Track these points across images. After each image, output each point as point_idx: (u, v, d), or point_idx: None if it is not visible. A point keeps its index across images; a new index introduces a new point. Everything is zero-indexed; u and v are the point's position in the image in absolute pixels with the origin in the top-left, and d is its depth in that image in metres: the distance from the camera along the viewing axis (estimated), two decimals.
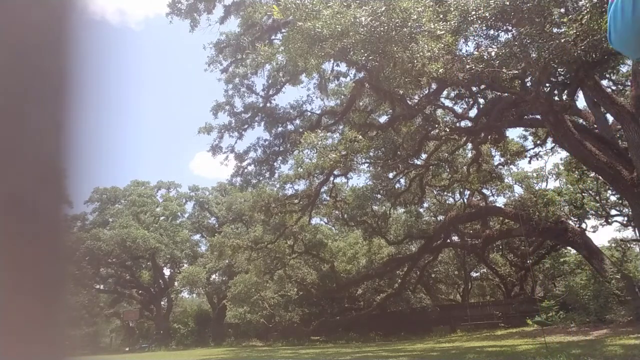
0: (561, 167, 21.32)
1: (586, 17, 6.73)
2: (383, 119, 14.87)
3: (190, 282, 28.87)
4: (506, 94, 10.63)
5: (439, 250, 21.83)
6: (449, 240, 21.50)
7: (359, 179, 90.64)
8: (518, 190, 21.43)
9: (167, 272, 34.87)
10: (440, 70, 7.36)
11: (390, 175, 16.90)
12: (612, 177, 10.97)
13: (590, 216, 22.45)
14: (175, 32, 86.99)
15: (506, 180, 20.08)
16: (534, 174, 22.83)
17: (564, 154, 18.44)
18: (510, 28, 8.01)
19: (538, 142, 17.93)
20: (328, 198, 18.84)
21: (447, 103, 15.39)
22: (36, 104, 0.44)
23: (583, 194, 21.25)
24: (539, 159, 19.30)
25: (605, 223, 22.61)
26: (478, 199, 20.49)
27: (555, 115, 9.81)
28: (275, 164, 16.55)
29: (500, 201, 26.71)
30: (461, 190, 20.47)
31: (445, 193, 20.96)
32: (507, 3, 6.94)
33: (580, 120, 14.11)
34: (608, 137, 12.85)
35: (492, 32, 8.34)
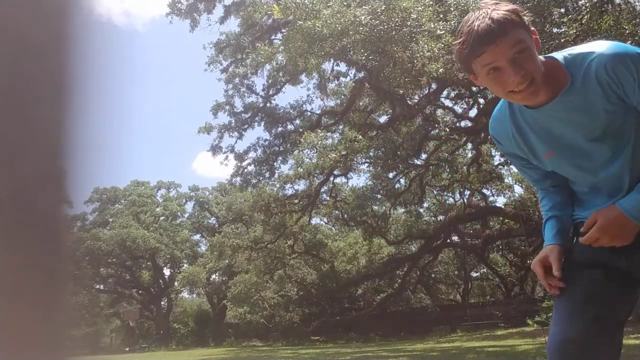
0: None
1: (586, 17, 6.74)
2: (383, 119, 14.88)
3: (190, 282, 28.88)
4: None
5: (439, 250, 21.83)
6: (449, 240, 21.49)
7: (359, 179, 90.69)
8: (518, 190, 21.43)
9: (167, 272, 34.88)
10: (440, 70, 7.36)
11: (390, 175, 16.90)
12: None
13: None
14: (178, 33, 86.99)
15: (506, 180, 20.08)
16: None
17: None
18: None
19: None
20: (328, 198, 18.84)
21: (447, 103, 15.40)
22: (37, 103, 0.44)
23: None
24: None
25: None
26: (478, 199, 20.50)
27: None
28: (275, 164, 16.55)
29: (500, 201, 26.71)
30: (461, 190, 20.47)
31: (445, 193, 20.96)
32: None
33: None
34: None
35: None
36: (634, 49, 1.18)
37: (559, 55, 1.27)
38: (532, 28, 1.20)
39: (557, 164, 1.38)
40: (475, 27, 1.14)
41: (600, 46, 1.20)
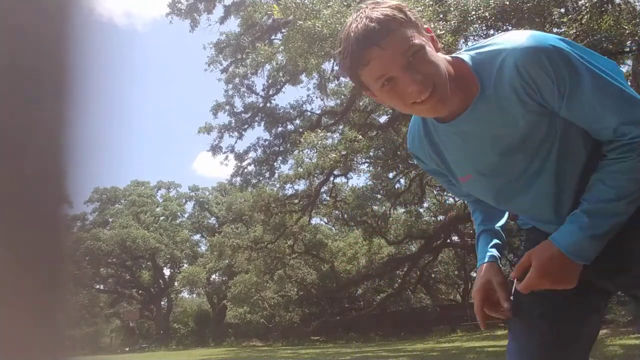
0: None
1: (586, 17, 6.74)
2: (383, 119, 14.88)
3: (190, 282, 28.89)
4: None
5: (439, 250, 21.83)
6: (449, 240, 21.49)
7: (359, 179, 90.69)
8: None
9: (167, 272, 34.90)
10: None
11: (390, 175, 16.90)
12: None
13: None
14: (178, 33, 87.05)
15: None
16: None
17: None
18: (510, 28, 8.01)
19: None
20: (328, 198, 18.84)
21: None
22: (37, 103, 0.44)
23: None
24: None
25: None
26: None
27: None
28: (275, 164, 16.57)
29: None
30: None
31: (445, 193, 20.96)
32: (507, 3, 6.94)
33: None
34: None
35: (492, 32, 8.34)
36: (550, 40, 0.94)
37: (465, 55, 1.02)
38: (426, 26, 0.98)
39: (476, 188, 1.16)
40: (353, 30, 0.92)
41: (510, 40, 0.96)
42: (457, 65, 1.01)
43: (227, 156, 16.46)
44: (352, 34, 0.92)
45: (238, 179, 16.95)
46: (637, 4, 7.54)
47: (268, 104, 16.31)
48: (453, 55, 1.04)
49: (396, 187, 17.68)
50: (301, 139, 12.29)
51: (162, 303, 34.24)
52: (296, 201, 17.58)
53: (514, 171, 1.06)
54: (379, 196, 18.17)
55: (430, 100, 0.94)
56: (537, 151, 1.02)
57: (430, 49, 0.95)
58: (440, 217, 21.84)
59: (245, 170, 16.72)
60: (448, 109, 0.99)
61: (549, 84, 0.93)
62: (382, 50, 0.90)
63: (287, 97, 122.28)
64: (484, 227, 1.28)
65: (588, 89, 0.93)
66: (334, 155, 11.72)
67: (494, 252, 1.22)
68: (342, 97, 15.75)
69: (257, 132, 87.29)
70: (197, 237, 35.12)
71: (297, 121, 16.67)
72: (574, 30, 6.69)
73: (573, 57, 0.93)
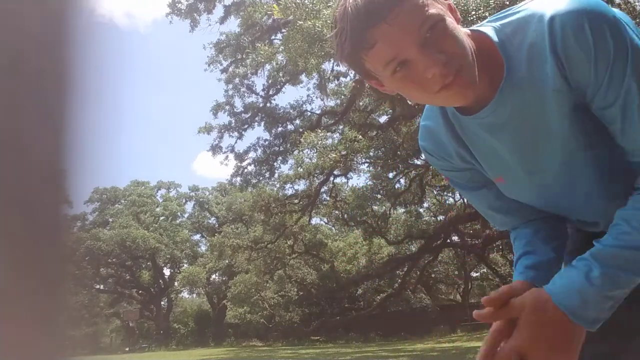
0: None
1: None
2: (383, 119, 14.88)
3: (190, 282, 28.92)
4: None
5: (439, 250, 21.83)
6: (449, 240, 21.49)
7: (359, 179, 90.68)
8: None
9: (167, 272, 34.93)
10: None
11: (390, 175, 16.90)
12: None
13: None
14: (178, 33, 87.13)
15: None
16: None
17: None
18: None
19: None
20: (328, 198, 18.85)
21: None
22: (36, 103, 0.44)
23: None
24: None
25: None
26: None
27: None
28: (275, 164, 16.58)
29: None
30: None
31: (445, 193, 20.97)
32: (507, 3, 6.94)
33: None
34: None
35: None
36: (600, 5, 0.70)
37: (488, 27, 0.80)
38: None
39: (511, 192, 0.93)
40: (351, 5, 0.71)
41: (546, 3, 0.73)
42: (479, 41, 0.78)
43: (227, 156, 16.48)
44: (349, 9, 0.71)
45: (238, 179, 16.97)
46: (637, 4, 7.55)
47: (268, 104, 16.32)
48: (473, 28, 0.82)
49: (396, 187, 17.70)
50: (301, 139, 12.30)
51: (162, 303, 34.25)
52: (296, 201, 17.58)
53: (552, 171, 0.85)
54: (379, 196, 18.17)
55: (455, 85, 0.73)
56: (577, 150, 0.80)
57: (450, 19, 0.74)
58: (440, 217, 21.85)
59: (245, 170, 16.74)
60: (474, 97, 0.77)
61: (584, 62, 0.70)
62: (390, 27, 0.70)
63: (287, 97, 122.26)
64: (524, 250, 0.94)
65: (637, 81, 0.69)
66: (334, 155, 11.73)
67: (534, 271, 0.88)
68: (342, 97, 15.76)
69: (257, 132, 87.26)
70: (197, 237, 35.18)
71: (297, 121, 16.68)
72: None
73: (629, 34, 0.70)
